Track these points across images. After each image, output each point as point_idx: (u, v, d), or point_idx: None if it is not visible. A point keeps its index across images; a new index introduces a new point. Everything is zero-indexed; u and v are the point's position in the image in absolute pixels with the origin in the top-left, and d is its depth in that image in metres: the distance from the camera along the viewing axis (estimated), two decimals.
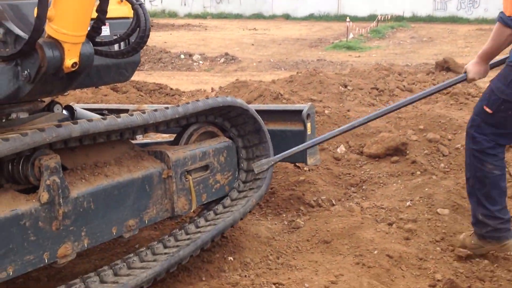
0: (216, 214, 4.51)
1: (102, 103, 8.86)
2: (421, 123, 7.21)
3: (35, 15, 2.98)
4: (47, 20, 3.01)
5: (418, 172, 6.14)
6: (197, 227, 4.36)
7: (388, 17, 32.27)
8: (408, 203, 5.39)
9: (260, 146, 4.75)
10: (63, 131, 3.29)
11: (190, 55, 19.50)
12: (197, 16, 39.28)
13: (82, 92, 9.44)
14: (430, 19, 34.24)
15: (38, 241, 3.24)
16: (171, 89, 11.18)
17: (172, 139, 4.68)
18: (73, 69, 3.17)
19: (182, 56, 19.33)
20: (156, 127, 4.09)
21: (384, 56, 19.66)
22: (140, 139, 4.82)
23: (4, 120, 3.76)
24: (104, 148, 3.83)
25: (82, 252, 3.74)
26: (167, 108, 4.04)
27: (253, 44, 23.59)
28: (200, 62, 18.79)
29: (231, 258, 4.50)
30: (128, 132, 3.87)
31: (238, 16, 39.05)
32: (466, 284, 4.14)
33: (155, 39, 22.66)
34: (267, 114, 5.19)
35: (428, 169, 6.18)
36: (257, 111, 4.81)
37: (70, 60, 3.12)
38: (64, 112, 4.51)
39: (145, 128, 4.00)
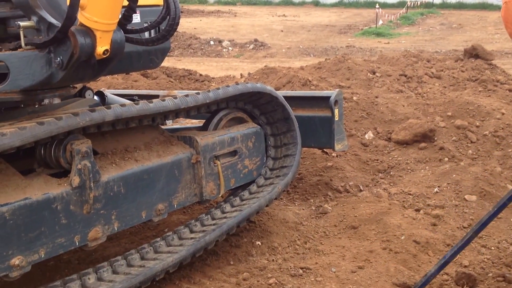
0: (242, 200, 4.57)
1: (133, 88, 8.97)
2: (449, 109, 7.18)
3: (68, 3, 3.04)
4: (79, 8, 3.05)
5: (446, 159, 6.13)
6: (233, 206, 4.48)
7: (418, 3, 31.97)
8: (435, 190, 5.38)
9: (288, 134, 4.78)
10: (97, 116, 3.37)
11: (220, 41, 19.57)
12: (227, 3, 39.32)
13: (113, 78, 9.56)
14: (460, 6, 33.78)
15: (69, 224, 3.31)
16: (201, 75, 11.26)
17: (201, 125, 4.73)
18: (105, 56, 3.21)
19: (212, 43, 19.41)
20: (187, 112, 4.15)
21: (414, 42, 19.47)
22: (169, 124, 4.88)
23: (37, 106, 3.85)
24: (134, 133, 3.90)
25: (112, 235, 3.83)
26: (198, 93, 4.10)
27: (282, 31, 23.55)
28: (230, 48, 18.85)
29: (259, 243, 4.56)
30: (159, 117, 3.95)
31: (267, 3, 38.97)
32: (493, 269, 4.14)
33: (185, 25, 22.76)
34: (295, 101, 5.22)
35: (456, 155, 6.16)
36: (286, 97, 4.83)
37: (102, 47, 3.17)
38: (95, 97, 4.60)
39: (176, 113, 4.06)
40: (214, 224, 4.18)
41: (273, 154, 4.80)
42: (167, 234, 4.03)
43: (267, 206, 4.53)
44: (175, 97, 3.92)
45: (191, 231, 4.14)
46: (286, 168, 4.76)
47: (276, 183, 4.63)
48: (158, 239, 3.99)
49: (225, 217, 4.29)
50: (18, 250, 3.05)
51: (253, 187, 4.64)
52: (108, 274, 3.53)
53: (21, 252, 3.06)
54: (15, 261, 3.03)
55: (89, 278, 3.44)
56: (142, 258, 3.79)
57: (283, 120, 4.76)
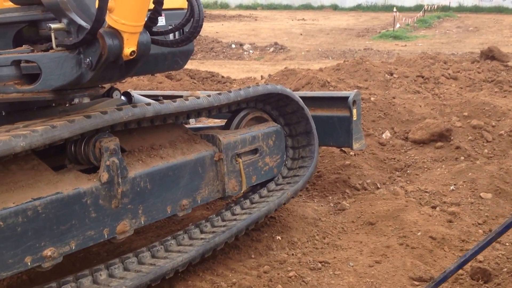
0: (261, 197, 4.71)
1: (158, 90, 9.14)
2: (466, 110, 7.26)
3: (97, 6, 3.11)
4: (107, 11, 3.15)
5: (462, 158, 6.20)
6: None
7: (434, 7, 31.92)
8: (451, 187, 5.47)
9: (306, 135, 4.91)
10: (138, 111, 3.58)
11: (241, 45, 19.75)
12: (248, 7, 39.55)
13: (139, 80, 9.74)
14: (476, 9, 33.70)
15: (99, 217, 3.44)
16: (223, 77, 11.42)
17: (223, 124, 4.87)
18: (131, 57, 3.31)
19: (233, 46, 19.60)
20: (219, 109, 4.34)
21: (430, 45, 19.46)
22: (193, 123, 5.01)
23: (67, 105, 3.99)
24: (159, 131, 4.04)
25: (139, 229, 3.97)
26: (229, 92, 4.29)
27: (301, 34, 23.64)
28: (251, 51, 19.00)
29: (279, 237, 4.68)
30: (194, 114, 4.15)
31: (287, 7, 39.10)
32: (508, 264, 4.21)
33: (208, 29, 22.93)
34: (314, 101, 5.33)
35: (471, 154, 6.24)
36: (305, 97, 4.94)
37: (129, 48, 3.26)
38: (122, 97, 4.74)
39: (209, 110, 4.26)
40: (224, 226, 4.28)
41: (291, 155, 4.92)
42: (178, 233, 4.12)
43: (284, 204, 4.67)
44: (208, 96, 4.11)
45: (213, 226, 4.29)
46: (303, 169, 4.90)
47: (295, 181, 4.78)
48: (181, 232, 4.12)
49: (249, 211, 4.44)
50: (50, 242, 3.19)
51: (264, 191, 4.75)
52: (120, 271, 3.64)
53: (53, 244, 3.20)
54: (48, 252, 3.16)
55: (100, 275, 3.55)
56: (166, 250, 3.94)
57: (303, 124, 4.89)
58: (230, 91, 4.32)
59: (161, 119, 3.91)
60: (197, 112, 4.17)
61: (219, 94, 4.23)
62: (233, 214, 4.47)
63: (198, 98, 4.05)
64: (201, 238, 4.10)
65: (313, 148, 4.85)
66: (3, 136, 3.00)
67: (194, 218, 4.89)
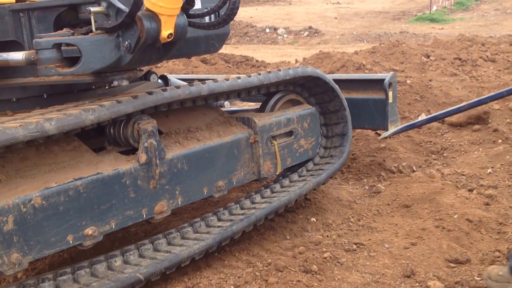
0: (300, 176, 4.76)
1: (193, 74, 9.22)
2: None
3: None
4: None
5: (500, 140, 6.13)
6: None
7: None
8: (489, 170, 5.42)
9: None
10: (194, 90, 3.75)
11: (275, 29, 19.73)
12: None
13: (174, 64, 9.84)
14: None
15: (137, 198, 3.52)
16: (257, 61, 11.46)
17: (257, 107, 4.91)
18: (169, 39, 3.34)
19: (267, 30, 19.59)
20: (268, 88, 4.48)
21: (468, 28, 19.15)
22: (227, 106, 5.06)
23: (107, 88, 4.06)
24: (196, 114, 4.10)
25: (176, 210, 4.03)
26: (279, 70, 4.41)
27: (336, 18, 23.48)
28: (285, 35, 18.97)
29: (314, 219, 4.71)
30: (244, 92, 4.29)
31: None
32: None
33: (242, 14, 22.93)
34: (349, 83, 5.33)
35: (509, 137, 6.16)
36: (340, 80, 4.94)
37: (166, 31, 3.29)
38: (159, 81, 4.80)
39: (258, 89, 4.40)
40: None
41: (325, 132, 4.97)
42: (195, 220, 4.15)
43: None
44: (259, 74, 4.24)
45: (242, 208, 4.36)
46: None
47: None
48: (210, 214, 4.20)
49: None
50: (91, 221, 3.27)
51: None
52: (135, 258, 3.69)
53: (94, 223, 3.29)
54: (89, 231, 3.25)
55: (115, 261, 3.60)
56: (196, 232, 4.02)
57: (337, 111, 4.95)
58: (279, 70, 4.43)
59: (214, 98, 4.06)
60: (247, 91, 4.30)
61: (269, 72, 4.32)
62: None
63: (250, 76, 4.16)
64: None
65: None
66: (73, 110, 3.13)
67: (230, 200, 4.93)
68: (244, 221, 4.07)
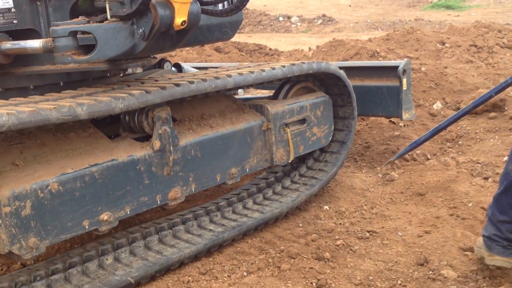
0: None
1: (206, 62, 9.24)
2: None
3: None
4: None
5: None
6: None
7: None
8: (505, 158, 5.39)
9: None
10: (220, 83, 3.81)
11: (289, 17, 19.68)
12: None
13: (188, 53, 9.86)
14: None
15: (152, 184, 3.56)
16: (270, 49, 11.44)
17: (271, 94, 4.91)
18: (182, 27, 3.33)
19: (281, 19, 19.55)
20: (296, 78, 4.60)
21: (484, 15, 18.94)
22: (241, 94, 5.07)
23: (121, 75, 4.08)
24: (209, 101, 4.13)
25: (190, 196, 4.07)
26: (303, 63, 4.45)
27: (350, 5, 23.34)
28: (298, 24, 18.92)
29: (327, 207, 4.73)
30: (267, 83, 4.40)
31: None
32: None
33: (255, 2, 22.87)
34: (363, 71, 5.32)
35: None
36: (353, 67, 4.92)
37: (180, 18, 3.29)
38: (173, 69, 4.82)
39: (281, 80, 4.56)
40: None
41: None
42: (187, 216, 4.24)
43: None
44: (283, 66, 4.30)
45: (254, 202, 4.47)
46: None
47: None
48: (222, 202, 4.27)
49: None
50: (106, 207, 3.32)
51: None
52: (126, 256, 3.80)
53: (109, 208, 3.33)
54: (104, 216, 3.29)
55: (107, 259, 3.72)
56: (211, 221, 4.10)
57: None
58: (303, 62, 4.45)
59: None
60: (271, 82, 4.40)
61: (293, 64, 4.36)
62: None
63: (274, 69, 4.20)
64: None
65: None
66: (104, 97, 3.22)
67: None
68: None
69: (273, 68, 4.22)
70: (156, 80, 3.88)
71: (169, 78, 3.93)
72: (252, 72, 4.07)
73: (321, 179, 4.80)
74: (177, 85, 3.58)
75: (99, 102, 3.16)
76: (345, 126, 4.93)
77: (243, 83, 4.00)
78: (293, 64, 4.34)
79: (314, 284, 3.64)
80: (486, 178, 5.07)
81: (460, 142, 6.10)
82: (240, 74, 4.00)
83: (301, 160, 4.98)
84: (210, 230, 4.10)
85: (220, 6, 4.12)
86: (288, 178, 4.91)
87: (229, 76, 3.90)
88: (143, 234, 3.93)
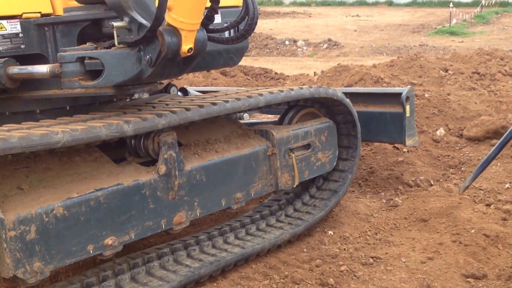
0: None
1: (212, 86, 9.28)
2: None
3: (156, 5, 3.19)
4: (167, 10, 3.23)
5: None
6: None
7: (492, 2, 31.21)
8: (507, 185, 5.41)
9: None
10: (230, 106, 3.88)
11: (295, 41, 19.84)
12: (301, 4, 39.57)
13: (194, 76, 9.91)
14: None
15: (157, 209, 3.57)
16: (276, 73, 11.52)
17: (276, 119, 4.94)
18: (189, 54, 3.39)
19: (287, 42, 19.71)
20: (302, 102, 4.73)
21: (488, 41, 19.06)
22: (246, 119, 5.10)
23: (128, 100, 4.12)
24: (214, 126, 4.15)
25: (195, 221, 4.08)
26: (310, 87, 4.52)
27: (355, 30, 23.53)
28: (304, 48, 19.06)
29: (331, 232, 4.73)
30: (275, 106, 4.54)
31: (341, 3, 38.89)
32: None
33: (262, 26, 23.05)
34: (367, 97, 5.35)
35: None
36: (358, 93, 4.96)
37: (186, 45, 3.34)
38: (179, 93, 4.86)
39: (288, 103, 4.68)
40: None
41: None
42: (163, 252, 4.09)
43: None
44: (310, 87, 4.46)
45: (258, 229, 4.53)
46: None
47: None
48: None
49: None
50: (111, 231, 3.32)
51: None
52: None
53: (114, 233, 3.33)
54: (109, 241, 3.30)
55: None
56: (213, 247, 4.07)
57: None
58: (329, 87, 4.62)
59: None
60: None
61: (319, 87, 4.52)
62: None
63: (302, 88, 4.39)
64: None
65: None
66: (148, 114, 3.39)
67: (248, 211, 4.97)
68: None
69: (301, 88, 4.40)
70: (167, 104, 3.94)
71: (179, 102, 3.98)
72: (281, 91, 4.26)
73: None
74: (201, 106, 3.69)
75: (143, 120, 3.32)
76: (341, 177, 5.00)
77: (274, 101, 4.19)
78: (320, 87, 4.51)
79: None
80: (488, 205, 5.08)
81: (463, 169, 6.12)
82: (271, 92, 4.18)
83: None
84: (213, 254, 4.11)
85: (226, 33, 4.16)
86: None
87: (238, 99, 3.98)
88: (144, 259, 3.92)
